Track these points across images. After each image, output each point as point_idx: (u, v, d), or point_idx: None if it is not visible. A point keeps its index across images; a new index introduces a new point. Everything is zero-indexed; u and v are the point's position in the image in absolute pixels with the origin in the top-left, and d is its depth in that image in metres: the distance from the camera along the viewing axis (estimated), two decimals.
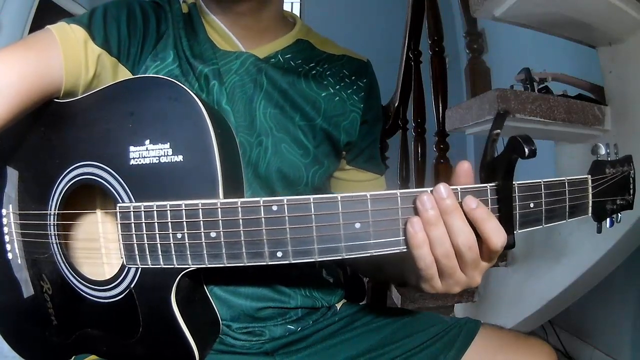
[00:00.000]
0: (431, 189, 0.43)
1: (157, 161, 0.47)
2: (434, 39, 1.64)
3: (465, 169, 0.45)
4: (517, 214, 0.44)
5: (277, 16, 0.70)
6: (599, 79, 1.24)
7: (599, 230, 0.52)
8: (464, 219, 0.42)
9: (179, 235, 0.45)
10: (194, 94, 0.47)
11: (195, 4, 0.67)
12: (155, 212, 0.46)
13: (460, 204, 0.43)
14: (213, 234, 0.44)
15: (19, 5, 2.18)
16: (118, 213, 0.47)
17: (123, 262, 0.49)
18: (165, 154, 0.47)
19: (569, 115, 1.14)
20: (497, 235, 0.42)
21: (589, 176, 0.50)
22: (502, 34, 2.39)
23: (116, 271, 0.51)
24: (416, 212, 0.43)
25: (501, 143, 0.44)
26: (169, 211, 0.45)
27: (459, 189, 0.43)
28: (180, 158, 0.47)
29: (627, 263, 1.23)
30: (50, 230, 0.55)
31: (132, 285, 0.50)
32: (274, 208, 0.43)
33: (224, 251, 0.44)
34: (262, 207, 0.43)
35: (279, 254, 0.43)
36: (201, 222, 0.44)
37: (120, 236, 0.48)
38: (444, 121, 1.47)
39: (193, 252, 0.45)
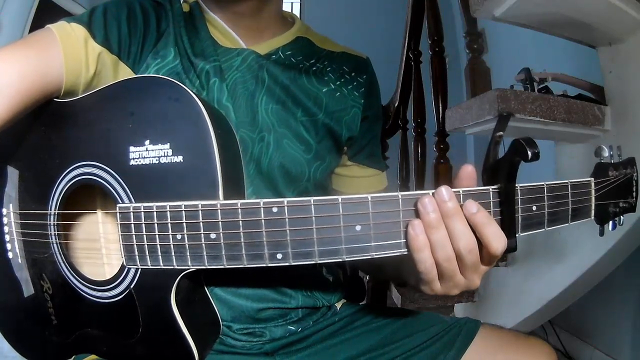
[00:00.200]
0: (433, 191, 0.42)
1: (157, 162, 0.47)
2: (434, 39, 1.64)
3: (468, 172, 0.45)
4: (520, 217, 0.44)
5: (276, 15, 0.71)
6: (599, 79, 1.24)
7: (602, 233, 0.51)
8: (465, 222, 0.42)
9: (179, 236, 0.45)
10: (194, 94, 0.47)
11: (197, 3, 0.67)
12: (154, 212, 0.45)
13: (462, 207, 0.42)
14: (213, 235, 0.44)
15: (19, 5, 2.17)
16: (118, 213, 0.47)
17: (123, 262, 0.49)
18: (165, 155, 0.47)
19: (569, 115, 1.14)
20: (497, 241, 0.42)
21: (592, 179, 0.49)
22: (502, 34, 2.39)
23: (116, 271, 0.51)
24: (417, 214, 0.42)
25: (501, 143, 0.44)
26: (168, 212, 0.45)
27: (460, 192, 0.43)
28: (180, 159, 0.46)
29: (627, 263, 1.23)
30: (50, 230, 0.55)
31: (132, 286, 0.50)
32: (274, 210, 0.42)
33: (223, 253, 0.44)
34: (262, 208, 0.43)
35: (279, 256, 0.43)
36: (201, 223, 0.44)
37: (121, 237, 0.48)
38: (444, 121, 1.47)
39: (193, 253, 0.45)
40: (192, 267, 0.46)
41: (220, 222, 0.43)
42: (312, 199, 0.42)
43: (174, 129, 0.47)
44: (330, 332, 0.70)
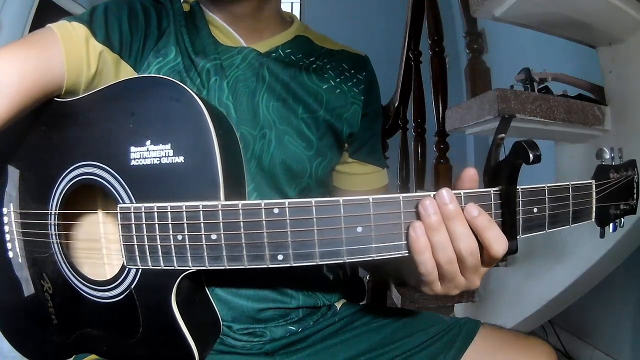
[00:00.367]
0: (434, 193, 0.42)
1: (158, 162, 0.47)
2: (434, 39, 1.64)
3: (471, 174, 0.45)
4: (521, 219, 0.44)
5: (275, 15, 0.71)
6: (599, 79, 1.24)
7: (602, 235, 0.51)
8: (466, 224, 0.42)
9: (180, 237, 0.45)
10: (196, 94, 0.47)
11: (197, 2, 0.67)
12: (155, 213, 0.45)
13: (462, 209, 0.42)
14: (214, 236, 0.44)
15: (19, 5, 2.17)
16: (119, 214, 0.47)
17: (123, 262, 0.49)
18: (166, 155, 0.47)
19: (569, 115, 1.14)
20: (498, 244, 0.42)
21: (593, 181, 0.49)
22: (502, 34, 2.38)
23: (117, 271, 0.51)
24: (418, 216, 0.42)
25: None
26: (169, 212, 0.45)
27: (462, 194, 0.43)
28: (181, 159, 0.46)
29: (627, 263, 1.23)
30: (51, 230, 0.55)
31: (132, 286, 0.50)
32: (275, 211, 0.42)
33: (224, 253, 0.44)
34: (263, 209, 0.43)
35: (280, 257, 0.43)
36: (202, 224, 0.44)
37: (121, 237, 0.47)
38: (444, 121, 1.47)
39: (193, 254, 0.45)
40: (192, 268, 0.46)
41: (221, 223, 0.43)
42: (313, 200, 0.42)
43: (175, 129, 0.47)
44: (330, 332, 0.70)
